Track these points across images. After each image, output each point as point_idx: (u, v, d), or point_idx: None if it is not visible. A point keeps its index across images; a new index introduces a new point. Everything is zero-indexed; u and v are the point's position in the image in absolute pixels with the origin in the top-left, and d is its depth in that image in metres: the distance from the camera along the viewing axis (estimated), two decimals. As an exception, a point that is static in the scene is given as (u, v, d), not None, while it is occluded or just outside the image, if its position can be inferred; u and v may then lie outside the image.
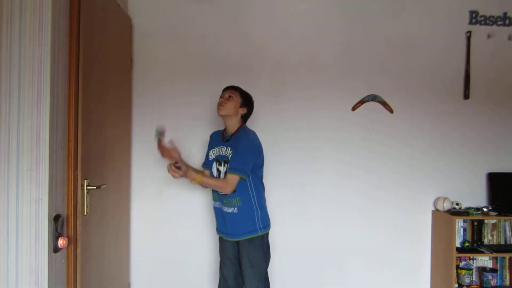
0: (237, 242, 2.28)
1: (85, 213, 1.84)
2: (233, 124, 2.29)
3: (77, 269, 1.77)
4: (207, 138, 2.80)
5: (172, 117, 2.79)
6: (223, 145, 2.30)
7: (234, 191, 2.18)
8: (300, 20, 2.85)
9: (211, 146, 2.40)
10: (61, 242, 1.61)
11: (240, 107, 2.29)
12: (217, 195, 2.29)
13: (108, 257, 2.33)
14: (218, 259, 2.81)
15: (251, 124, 2.64)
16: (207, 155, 2.40)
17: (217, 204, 2.31)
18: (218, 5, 2.80)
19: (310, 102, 2.85)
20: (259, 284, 2.20)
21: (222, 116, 2.28)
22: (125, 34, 2.61)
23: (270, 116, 2.82)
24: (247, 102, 2.32)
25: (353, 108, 2.88)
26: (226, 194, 2.19)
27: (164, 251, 2.81)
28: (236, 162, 2.15)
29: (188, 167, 2.18)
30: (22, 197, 1.54)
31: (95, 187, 1.91)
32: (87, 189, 1.84)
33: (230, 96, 2.26)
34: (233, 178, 2.13)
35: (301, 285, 2.80)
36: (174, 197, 2.80)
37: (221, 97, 2.30)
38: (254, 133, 2.29)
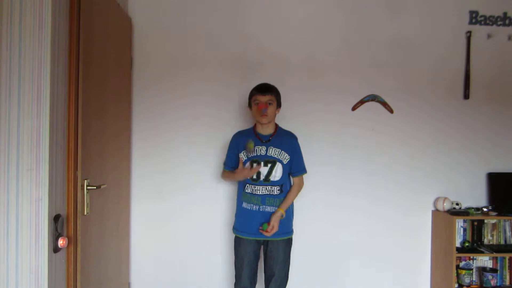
0: (267, 241, 2.30)
1: (85, 213, 1.84)
2: (271, 125, 2.34)
3: (77, 269, 1.77)
4: (208, 138, 2.81)
5: (173, 118, 2.79)
6: (262, 145, 2.29)
7: (282, 191, 2.30)
8: (300, 20, 2.84)
9: (242, 147, 2.33)
10: (61, 242, 1.61)
11: (276, 108, 2.32)
12: (254, 197, 2.28)
13: (108, 257, 2.33)
14: (219, 259, 2.82)
15: (249, 124, 2.65)
16: (237, 157, 2.34)
17: (252, 206, 2.29)
18: (218, 5, 2.80)
19: (310, 102, 2.84)
20: (286, 279, 2.32)
21: (265, 123, 2.29)
22: (125, 34, 2.61)
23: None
24: (280, 102, 2.35)
25: (353, 108, 2.88)
26: (271, 194, 2.26)
27: (164, 251, 2.81)
28: (301, 163, 2.37)
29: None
30: (22, 197, 1.54)
31: (95, 187, 1.91)
32: (87, 189, 1.85)
33: (270, 103, 2.26)
34: (302, 177, 2.38)
35: (300, 285, 2.80)
36: (174, 197, 2.80)
37: (258, 101, 2.26)
38: None
